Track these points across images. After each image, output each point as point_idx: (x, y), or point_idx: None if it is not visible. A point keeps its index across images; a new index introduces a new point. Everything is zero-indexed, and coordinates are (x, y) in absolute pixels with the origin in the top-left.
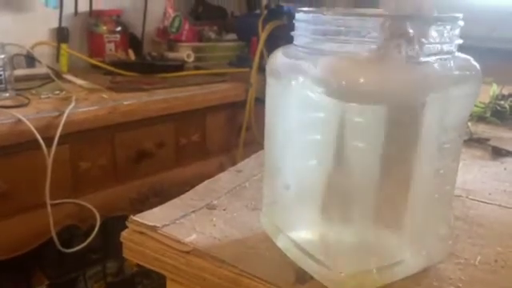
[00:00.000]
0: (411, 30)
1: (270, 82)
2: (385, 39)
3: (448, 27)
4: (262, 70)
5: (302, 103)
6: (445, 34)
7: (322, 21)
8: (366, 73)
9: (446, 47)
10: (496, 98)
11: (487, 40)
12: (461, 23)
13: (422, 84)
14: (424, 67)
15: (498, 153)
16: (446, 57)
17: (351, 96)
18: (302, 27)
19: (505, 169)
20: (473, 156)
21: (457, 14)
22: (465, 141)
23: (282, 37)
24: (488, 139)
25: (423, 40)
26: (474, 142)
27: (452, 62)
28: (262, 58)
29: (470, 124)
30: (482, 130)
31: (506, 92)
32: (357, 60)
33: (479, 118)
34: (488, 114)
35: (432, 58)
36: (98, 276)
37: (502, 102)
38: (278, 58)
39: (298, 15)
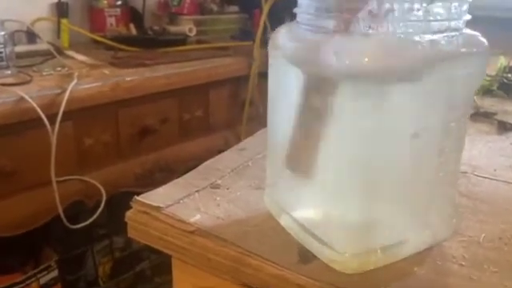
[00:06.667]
0: (374, 6)
1: (273, 59)
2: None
3: (456, 3)
4: (265, 43)
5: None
6: (452, 11)
7: None
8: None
9: (453, 24)
10: (503, 70)
11: (498, 9)
12: None
13: (424, 62)
14: (430, 45)
15: (504, 127)
16: (453, 34)
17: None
18: (304, 4)
19: (511, 143)
20: (479, 131)
21: None
22: (471, 115)
23: (285, 9)
24: (495, 113)
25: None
26: (480, 116)
27: (459, 38)
28: (265, 31)
29: (476, 97)
30: (488, 103)
31: None
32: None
33: (486, 91)
34: (495, 87)
35: (439, 36)
36: (106, 251)
37: (510, 75)
38: (281, 37)
39: None
